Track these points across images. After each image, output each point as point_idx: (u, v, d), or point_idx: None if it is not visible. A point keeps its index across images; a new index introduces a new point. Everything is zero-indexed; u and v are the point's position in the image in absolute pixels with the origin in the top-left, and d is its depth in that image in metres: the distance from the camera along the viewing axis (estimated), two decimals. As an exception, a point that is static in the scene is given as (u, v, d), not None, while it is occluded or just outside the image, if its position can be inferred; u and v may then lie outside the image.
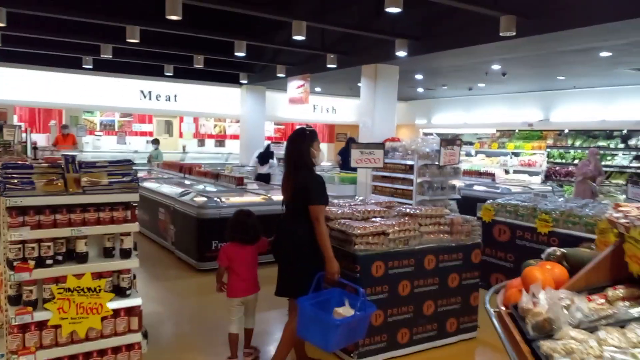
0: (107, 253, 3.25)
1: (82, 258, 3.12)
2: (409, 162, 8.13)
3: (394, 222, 4.12)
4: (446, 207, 8.49)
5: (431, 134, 9.58)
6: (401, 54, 7.94)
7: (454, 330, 4.53)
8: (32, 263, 2.96)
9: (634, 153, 11.63)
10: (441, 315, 4.43)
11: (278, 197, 5.91)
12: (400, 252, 4.11)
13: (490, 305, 2.60)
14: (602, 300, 2.26)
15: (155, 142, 13.67)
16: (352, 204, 4.74)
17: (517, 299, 2.47)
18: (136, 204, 3.28)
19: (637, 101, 11.45)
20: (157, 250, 7.88)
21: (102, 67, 11.65)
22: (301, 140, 3.74)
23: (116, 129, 16.42)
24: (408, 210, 4.45)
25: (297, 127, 15.79)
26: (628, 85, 11.48)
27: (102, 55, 9.79)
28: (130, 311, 3.24)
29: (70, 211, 3.08)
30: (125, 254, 3.26)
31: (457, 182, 8.70)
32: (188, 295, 5.95)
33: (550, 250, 2.86)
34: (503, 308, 2.51)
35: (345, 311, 3.26)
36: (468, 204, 7.94)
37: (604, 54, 7.87)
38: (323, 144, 18.78)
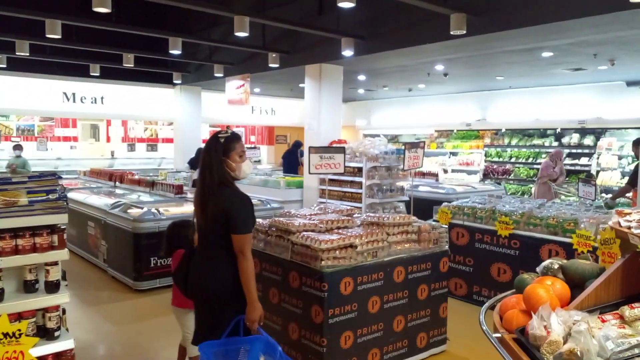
0: (29, 288, 2.68)
1: (-4, 297, 2.54)
2: (358, 165, 7.89)
3: (361, 233, 3.77)
4: (395, 210, 8.40)
5: (378, 135, 9.38)
6: (347, 53, 7.62)
7: (425, 345, 4.27)
8: None
9: (567, 150, 12.01)
10: (411, 330, 4.14)
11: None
12: (369, 265, 3.76)
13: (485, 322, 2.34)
14: (617, 321, 2.03)
15: (18, 147, 10.97)
16: (311, 213, 4.35)
17: (520, 322, 2.20)
18: (64, 227, 2.72)
19: (569, 101, 11.83)
20: (87, 269, 7.10)
21: (19, 67, 10.55)
22: (212, 150, 2.90)
23: (36, 134, 15.09)
24: (375, 219, 4.11)
25: (233, 129, 15.06)
26: (561, 85, 11.83)
27: (17, 53, 8.80)
28: (59, 356, 2.68)
29: (-21, 239, 2.49)
30: (52, 288, 2.69)
31: (405, 184, 8.56)
32: (124, 321, 5.29)
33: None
34: (504, 332, 2.25)
35: None
36: (415, 205, 7.78)
37: (545, 53, 7.95)
38: (262, 146, 18.16)
